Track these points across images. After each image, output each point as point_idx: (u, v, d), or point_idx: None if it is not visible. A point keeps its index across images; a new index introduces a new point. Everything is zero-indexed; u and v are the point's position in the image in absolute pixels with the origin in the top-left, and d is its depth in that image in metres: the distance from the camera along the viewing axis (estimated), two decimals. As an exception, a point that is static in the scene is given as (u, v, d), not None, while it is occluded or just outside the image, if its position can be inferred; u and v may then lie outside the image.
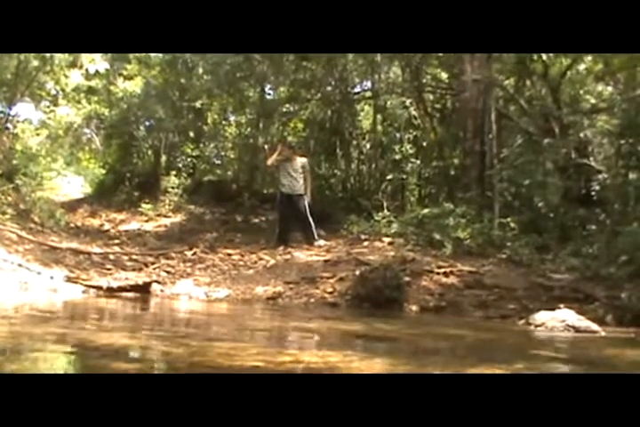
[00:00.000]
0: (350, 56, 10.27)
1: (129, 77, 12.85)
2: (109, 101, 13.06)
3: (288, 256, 6.77)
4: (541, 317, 4.29)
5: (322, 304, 5.13)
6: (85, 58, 9.42)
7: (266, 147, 11.17)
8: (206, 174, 12.80)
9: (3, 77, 9.56)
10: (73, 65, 9.95)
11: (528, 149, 8.35)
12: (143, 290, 5.19)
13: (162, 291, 5.36)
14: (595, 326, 4.14)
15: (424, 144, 10.46)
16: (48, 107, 12.64)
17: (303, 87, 11.08)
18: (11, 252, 5.96)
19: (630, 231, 5.81)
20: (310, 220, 7.65)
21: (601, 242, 6.36)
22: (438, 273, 5.62)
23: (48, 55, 9.03)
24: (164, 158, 12.30)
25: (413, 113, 10.11)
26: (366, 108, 11.92)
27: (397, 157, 9.80)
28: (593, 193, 7.62)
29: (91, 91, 12.97)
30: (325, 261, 6.34)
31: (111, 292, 5.09)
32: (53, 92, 12.15)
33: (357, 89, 11.86)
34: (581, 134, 8.44)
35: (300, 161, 7.97)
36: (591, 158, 8.27)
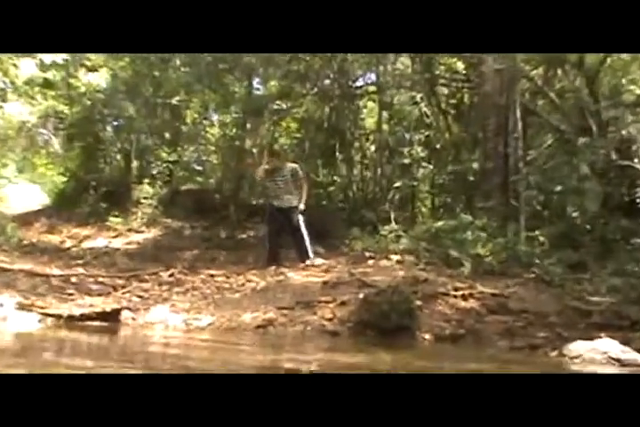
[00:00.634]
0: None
1: (93, 69, 12.85)
2: (70, 97, 13.01)
3: (281, 277, 6.76)
4: (578, 347, 4.26)
5: (320, 333, 5.12)
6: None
7: (254, 151, 11.19)
8: (185, 182, 12.85)
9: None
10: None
11: (560, 149, 8.40)
12: (111, 318, 5.16)
13: (133, 319, 5.33)
14: (642, 359, 4.12)
15: (437, 146, 10.51)
16: (-6, 103, 12.67)
17: (297, 81, 11.14)
18: (-49, 275, 5.94)
19: (682, 246, 5.82)
20: (304, 233, 7.67)
21: (647, 258, 6.37)
22: (455, 296, 5.62)
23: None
24: (135, 164, 12.35)
25: (425, 110, 10.17)
26: (370, 104, 12.00)
27: (406, 160, 9.86)
28: (638, 201, 7.63)
29: (47, 84, 12.84)
30: (324, 282, 6.35)
31: (73, 321, 5.05)
32: (1, 85, 12.15)
33: (360, 82, 11.95)
34: (624, 132, 8.46)
35: (291, 167, 8.00)
36: (635, 160, 8.27)
